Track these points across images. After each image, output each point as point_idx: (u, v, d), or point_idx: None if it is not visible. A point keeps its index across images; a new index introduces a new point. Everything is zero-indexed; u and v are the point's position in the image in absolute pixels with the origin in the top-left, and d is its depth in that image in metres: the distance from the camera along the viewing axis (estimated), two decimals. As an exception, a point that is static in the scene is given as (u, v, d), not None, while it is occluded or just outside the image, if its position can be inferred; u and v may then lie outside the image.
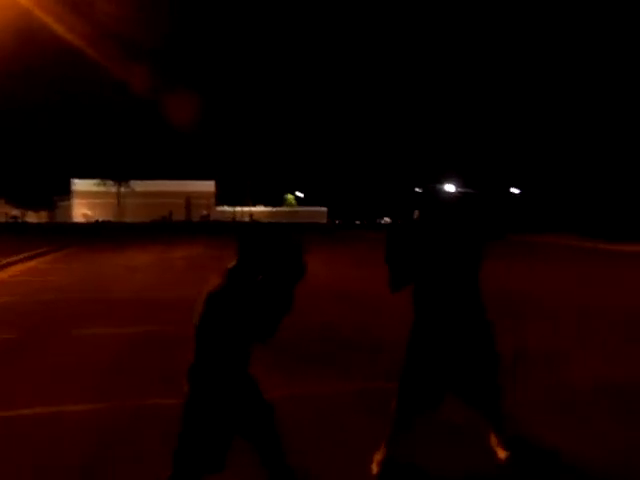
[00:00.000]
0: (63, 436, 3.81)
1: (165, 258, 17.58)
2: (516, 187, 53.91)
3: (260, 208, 75.88)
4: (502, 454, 3.34)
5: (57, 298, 9.37)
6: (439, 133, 61.12)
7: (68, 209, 64.21)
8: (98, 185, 54.77)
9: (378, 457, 3.24)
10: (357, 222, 67.80)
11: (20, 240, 22.66)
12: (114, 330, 6.90)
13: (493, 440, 3.43)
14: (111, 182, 53.16)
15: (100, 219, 55.29)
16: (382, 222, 78.78)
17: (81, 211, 61.38)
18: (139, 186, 57.21)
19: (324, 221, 69.94)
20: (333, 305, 8.82)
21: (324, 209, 76.84)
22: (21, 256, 15.86)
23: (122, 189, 53.76)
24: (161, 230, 37.08)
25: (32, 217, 58.62)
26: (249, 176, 71.42)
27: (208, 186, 72.88)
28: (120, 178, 53.04)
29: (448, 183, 63.09)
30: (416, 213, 3.28)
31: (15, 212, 59.01)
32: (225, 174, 71.90)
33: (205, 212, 68.47)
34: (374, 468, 3.21)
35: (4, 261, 14.23)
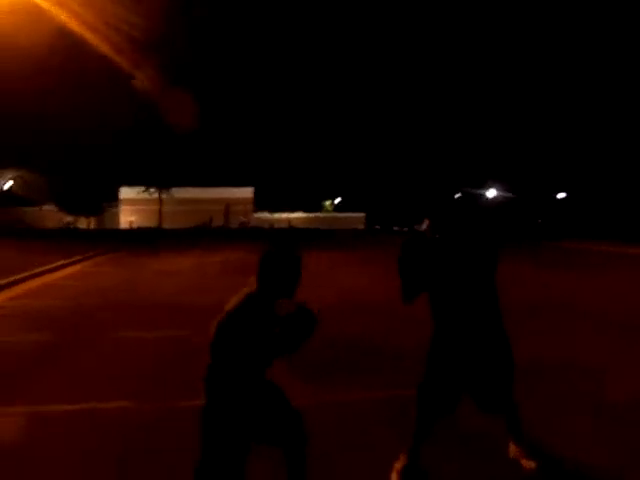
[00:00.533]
0: (92, 433, 4.01)
1: (203, 263, 17.98)
2: (562, 191, 52.39)
3: (298, 214, 76.33)
4: (528, 464, 3.31)
5: (96, 301, 9.76)
6: (482, 137, 59.99)
7: (116, 216, 66.52)
8: (142, 193, 56.42)
9: (398, 466, 3.25)
10: (395, 228, 67.17)
11: (70, 245, 23.63)
12: (148, 334, 7.16)
13: (512, 450, 3.40)
14: (154, 190, 54.66)
15: (143, 225, 56.89)
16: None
17: (127, 218, 63.37)
18: (180, 193, 58.64)
19: (362, 227, 69.67)
20: (362, 313, 8.83)
21: (362, 215, 76.61)
22: (68, 260, 16.57)
23: (164, 196, 55.17)
24: (201, 236, 37.89)
25: (83, 223, 61.00)
26: (288, 183, 72.09)
27: (247, 193, 73.90)
28: (162, 185, 54.48)
29: (490, 187, 61.89)
30: (426, 222, 3.29)
31: (68, 219, 61.58)
32: (264, 181, 72.86)
33: (244, 218, 69.46)
34: (394, 477, 3.23)
35: (52, 265, 14.91)
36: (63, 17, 20.58)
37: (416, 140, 68.09)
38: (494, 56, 58.62)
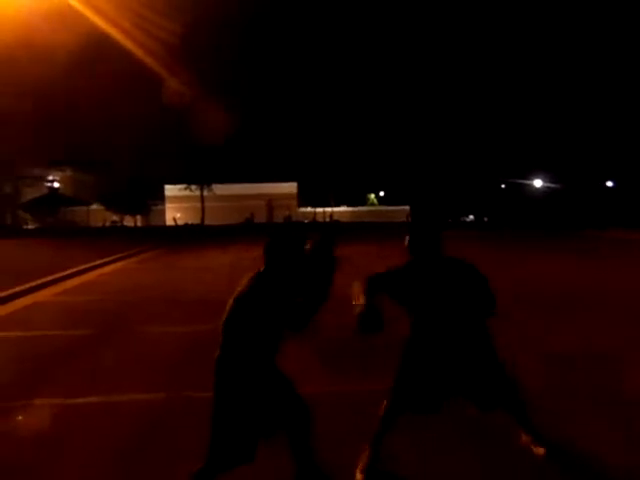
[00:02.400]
0: (121, 422, 4.11)
1: (242, 259, 18.15)
2: (611, 180, 50.20)
3: (342, 208, 76.23)
4: (539, 450, 3.28)
5: (136, 297, 9.98)
6: (528, 125, 58.13)
7: (161, 213, 68.38)
8: (184, 190, 57.65)
9: (362, 462, 3.16)
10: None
11: (115, 242, 24.37)
12: (183, 328, 7.27)
13: (525, 439, 3.35)
14: (195, 187, 55.73)
15: (187, 222, 58.06)
16: (467, 220, 76.36)
17: (171, 215, 64.93)
18: (221, 190, 59.54)
19: (406, 220, 68.98)
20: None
21: (407, 208, 75.86)
22: (112, 257, 17.07)
23: (206, 193, 56.17)
24: (242, 232, 38.37)
25: (129, 221, 62.98)
26: (331, 177, 72.07)
27: (290, 188, 74.47)
28: (204, 182, 55.47)
29: (536, 177, 59.96)
30: (406, 239, 3.20)
31: (115, 217, 63.76)
32: (307, 175, 73.12)
33: (287, 213, 69.98)
34: (358, 476, 3.14)
35: (96, 262, 15.39)
36: (98, 21, 21.21)
37: (460, 131, 66.70)
38: (538, 44, 56.70)
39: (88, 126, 44.76)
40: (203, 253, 20.99)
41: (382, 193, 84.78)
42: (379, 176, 77.17)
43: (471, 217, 79.93)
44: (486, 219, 70.80)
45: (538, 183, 60.20)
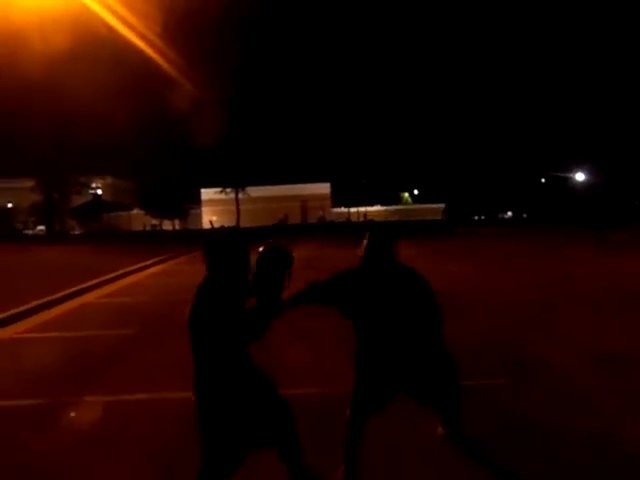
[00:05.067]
0: (168, 419, 4.23)
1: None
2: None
3: (376, 208, 75.82)
4: (440, 430, 3.43)
5: (177, 298, 10.15)
6: (568, 116, 56.49)
7: (198, 216, 69.63)
8: (220, 193, 58.52)
9: (340, 476, 3.11)
10: (474, 217, 64.95)
11: (155, 246, 24.95)
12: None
13: (440, 431, 3.45)
14: (230, 190, 56.49)
15: (222, 225, 58.98)
16: (505, 217, 74.71)
17: (208, 218, 66.02)
18: (256, 192, 60.19)
19: (441, 218, 68.00)
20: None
21: (442, 206, 74.81)
22: (153, 260, 17.50)
23: (241, 195, 56.86)
24: (276, 233, 38.70)
25: (168, 225, 64.40)
26: (364, 176, 71.83)
27: (323, 188, 74.65)
28: (238, 185, 56.18)
29: (578, 171, 58.07)
30: (364, 243, 3.18)
31: (154, 221, 65.33)
32: (341, 176, 73.11)
33: (321, 214, 70.10)
34: None
35: (139, 265, 15.82)
36: (111, 22, 21.79)
37: (496, 124, 65.40)
38: (584, 34, 55.05)
39: (123, 134, 46.05)
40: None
41: (416, 191, 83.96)
42: (413, 174, 76.45)
43: (509, 213, 78.16)
44: (525, 215, 69.09)
45: (580, 176, 58.38)
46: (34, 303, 9.15)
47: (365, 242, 3.17)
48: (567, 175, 59.50)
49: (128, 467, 3.51)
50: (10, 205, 65.64)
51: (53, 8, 20.41)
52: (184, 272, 15.26)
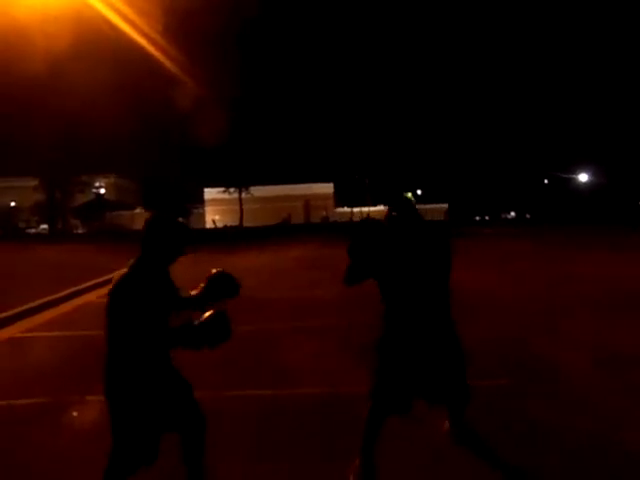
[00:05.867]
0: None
1: (279, 258, 18.32)
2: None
3: (379, 208, 75.85)
4: (446, 425, 3.45)
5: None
6: (570, 116, 56.35)
7: (201, 216, 69.73)
8: (223, 193, 58.59)
9: (355, 469, 3.12)
10: (476, 218, 64.78)
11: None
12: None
13: (446, 426, 3.47)
14: (233, 189, 56.56)
15: (225, 224, 59.06)
16: (507, 217, 74.57)
17: (210, 217, 66.13)
18: (259, 191, 60.23)
19: (443, 218, 67.91)
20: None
21: (444, 206, 74.74)
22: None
23: (244, 195, 56.93)
24: (280, 232, 38.69)
25: (170, 225, 64.48)
26: (367, 176, 71.80)
27: (326, 188, 74.71)
28: (241, 185, 56.25)
29: (582, 171, 57.92)
30: (387, 209, 3.24)
31: (157, 220, 65.39)
32: (344, 176, 73.14)
33: (324, 214, 70.09)
34: None
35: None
36: (114, 20, 21.85)
37: (498, 124, 65.27)
38: (586, 34, 54.86)
39: (126, 133, 46.15)
40: (242, 254, 21.26)
41: (419, 192, 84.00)
42: (416, 174, 76.36)
43: (512, 214, 78.01)
44: (528, 215, 68.93)
45: (583, 177, 58.23)
46: (37, 302, 9.18)
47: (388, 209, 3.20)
48: (570, 176, 59.36)
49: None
50: (13, 204, 65.81)
51: (56, 6, 20.46)
52: (187, 272, 15.28)
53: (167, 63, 31.53)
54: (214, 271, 2.91)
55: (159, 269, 2.63)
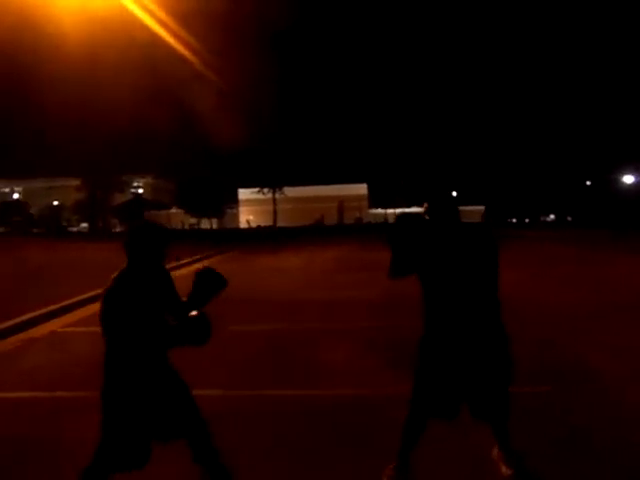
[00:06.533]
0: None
1: (315, 259, 18.32)
2: None
3: (414, 209, 75.14)
4: (507, 471, 3.08)
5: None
6: (615, 115, 54.51)
7: (235, 216, 70.57)
8: (257, 193, 59.15)
9: (389, 472, 3.05)
10: (512, 220, 63.33)
11: (194, 244, 25.39)
12: (258, 327, 7.46)
13: (495, 453, 3.18)
14: (267, 190, 57.03)
15: (260, 225, 59.55)
16: (547, 220, 72.72)
17: (245, 217, 66.82)
18: (293, 192, 60.54)
19: (480, 220, 66.75)
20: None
21: (481, 208, 73.51)
22: (192, 259, 17.80)
23: (278, 195, 57.33)
24: (313, 233, 38.75)
25: (205, 224, 65.48)
26: (402, 177, 71.27)
27: (360, 189, 74.50)
28: (275, 185, 56.68)
29: (626, 174, 55.86)
30: (425, 205, 3.09)
31: (192, 220, 66.61)
32: (378, 177, 72.76)
33: (358, 215, 69.91)
34: None
35: (177, 263, 16.10)
36: (157, 30, 22.29)
37: (540, 127, 63.73)
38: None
39: (163, 134, 47.10)
40: (276, 254, 21.39)
41: (455, 193, 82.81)
42: (451, 175, 75.30)
43: (552, 216, 76.02)
44: (570, 218, 67.03)
45: (629, 179, 56.17)
46: (78, 298, 9.42)
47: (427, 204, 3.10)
48: (615, 177, 57.35)
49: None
50: (56, 203, 68.08)
51: (98, 10, 21.03)
52: (222, 271, 15.45)
53: (203, 67, 32.01)
54: (200, 267, 3.00)
55: (144, 272, 2.69)
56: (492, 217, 67.16)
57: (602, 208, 57.62)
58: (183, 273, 14.84)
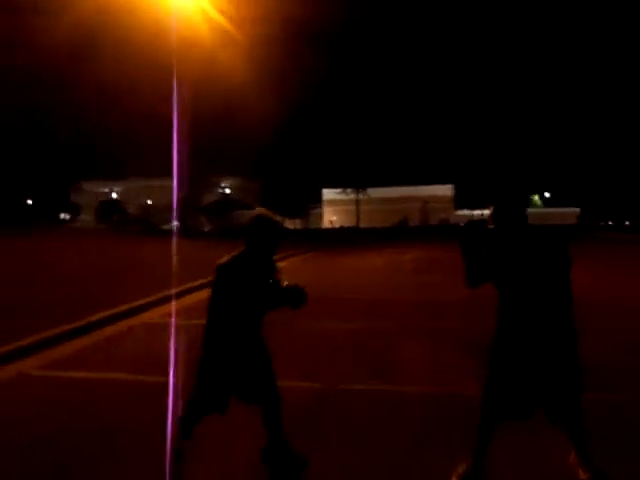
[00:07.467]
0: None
1: (395, 261, 18.13)
2: None
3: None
4: (584, 476, 2.98)
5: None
6: None
7: (318, 216, 71.50)
8: (340, 194, 59.55)
9: (460, 470, 3.08)
10: (602, 223, 58.95)
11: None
12: (339, 325, 7.61)
13: (573, 459, 3.06)
14: (350, 190, 57.22)
15: (342, 225, 59.90)
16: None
17: (329, 218, 67.49)
18: (376, 193, 60.31)
19: (574, 222, 62.88)
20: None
21: (576, 210, 69.28)
22: (276, 257, 18.21)
23: (361, 196, 57.36)
24: (396, 235, 38.32)
25: (289, 224, 66.90)
26: (490, 179, 68.77)
27: (446, 190, 72.74)
28: (359, 186, 56.76)
29: None
30: (491, 209, 3.03)
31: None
32: (465, 177, 70.78)
33: (443, 216, 68.41)
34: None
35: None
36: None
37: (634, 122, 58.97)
38: None
39: (249, 135, 48.65)
40: (358, 255, 21.40)
41: (547, 194, 78.50)
42: (544, 176, 71.54)
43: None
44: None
45: None
46: (173, 290, 9.97)
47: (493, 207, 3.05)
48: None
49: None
50: (149, 202, 72.49)
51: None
52: (305, 269, 15.72)
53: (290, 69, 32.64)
54: (290, 284, 3.26)
55: (258, 259, 3.09)
56: (587, 220, 62.94)
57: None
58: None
